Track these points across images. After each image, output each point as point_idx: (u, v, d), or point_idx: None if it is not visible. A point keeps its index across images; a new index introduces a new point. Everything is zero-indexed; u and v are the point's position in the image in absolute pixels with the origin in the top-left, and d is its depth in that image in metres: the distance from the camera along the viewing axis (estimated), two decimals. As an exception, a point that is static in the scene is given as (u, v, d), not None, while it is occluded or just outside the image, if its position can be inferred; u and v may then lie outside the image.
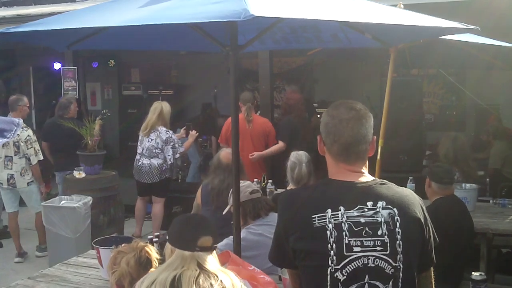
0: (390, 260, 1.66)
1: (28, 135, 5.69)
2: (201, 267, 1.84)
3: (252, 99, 5.93)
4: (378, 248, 1.66)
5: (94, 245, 3.03)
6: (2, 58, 9.37)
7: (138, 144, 6.18)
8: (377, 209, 1.69)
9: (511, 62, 4.69)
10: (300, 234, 1.70)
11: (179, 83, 10.21)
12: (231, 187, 2.97)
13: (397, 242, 1.67)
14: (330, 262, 1.65)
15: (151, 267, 2.26)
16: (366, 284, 1.66)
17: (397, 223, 1.68)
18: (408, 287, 1.70)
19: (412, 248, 1.70)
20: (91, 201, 5.38)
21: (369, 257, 1.65)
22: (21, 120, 4.88)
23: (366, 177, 1.79)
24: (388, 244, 1.66)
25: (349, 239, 1.65)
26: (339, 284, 1.65)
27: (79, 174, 5.76)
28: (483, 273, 2.65)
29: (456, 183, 3.90)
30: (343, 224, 1.66)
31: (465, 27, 2.39)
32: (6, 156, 5.64)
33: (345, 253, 1.65)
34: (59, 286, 2.90)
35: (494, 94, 7.33)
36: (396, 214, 1.69)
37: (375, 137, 1.83)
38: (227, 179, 3.74)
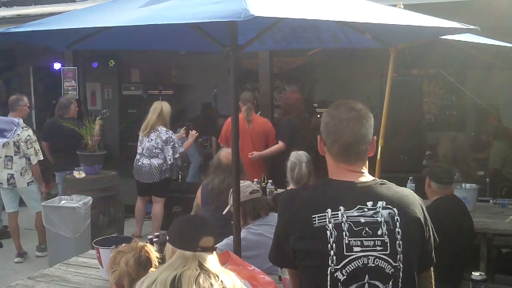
0: (390, 260, 1.66)
1: (28, 135, 5.69)
2: (202, 267, 1.84)
3: (252, 99, 5.93)
4: (378, 248, 1.66)
5: (94, 245, 3.03)
6: (2, 58, 9.37)
7: (138, 144, 6.18)
8: (377, 209, 1.69)
9: (511, 62, 4.69)
10: (300, 234, 1.70)
11: (179, 83, 10.21)
12: (231, 187, 2.97)
13: (397, 242, 1.67)
14: (330, 262, 1.65)
15: (151, 267, 2.26)
16: (366, 284, 1.66)
17: (397, 223, 1.68)
18: (408, 287, 1.70)
19: (412, 248, 1.70)
20: (91, 201, 5.38)
21: (369, 257, 1.65)
22: (21, 120, 4.88)
23: (366, 177, 1.79)
24: (388, 244, 1.66)
25: (349, 239, 1.65)
26: (339, 284, 1.65)
27: (79, 174, 5.76)
28: (483, 273, 2.65)
29: (456, 183, 3.90)
30: (343, 224, 1.66)
31: (465, 27, 2.40)
32: (6, 156, 5.64)
33: (345, 253, 1.65)
34: (59, 286, 2.90)
35: (494, 94, 7.33)
36: (396, 214, 1.69)
37: (375, 137, 1.83)
38: (227, 179, 3.74)
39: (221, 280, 1.82)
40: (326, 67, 8.46)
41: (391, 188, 1.76)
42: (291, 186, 4.15)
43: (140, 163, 6.09)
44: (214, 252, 1.93)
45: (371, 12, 2.36)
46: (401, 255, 1.67)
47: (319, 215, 1.68)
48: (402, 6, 3.51)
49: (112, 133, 9.61)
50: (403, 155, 5.80)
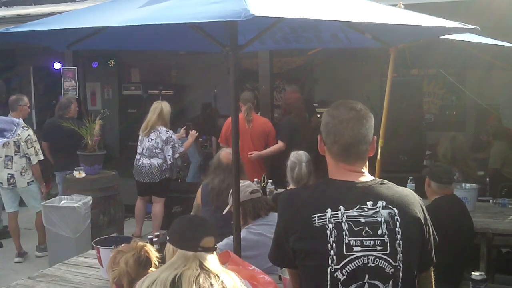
0: (390, 260, 1.66)
1: (29, 135, 5.69)
2: (202, 267, 1.84)
3: (253, 99, 5.93)
4: (378, 248, 1.66)
5: (94, 245, 3.03)
6: (2, 58, 9.38)
7: (138, 144, 6.18)
8: (377, 209, 1.69)
9: (511, 62, 4.69)
10: (300, 234, 1.70)
11: (179, 83, 10.21)
12: (231, 187, 2.97)
13: (397, 241, 1.67)
14: (330, 262, 1.65)
15: (150, 267, 2.26)
16: (366, 283, 1.66)
17: (397, 223, 1.68)
18: (408, 287, 1.70)
19: (412, 247, 1.70)
20: (91, 201, 5.38)
21: (369, 256, 1.65)
22: (21, 120, 4.89)
23: (366, 177, 1.79)
24: (388, 244, 1.66)
25: (349, 239, 1.65)
26: (339, 283, 1.65)
27: (79, 174, 5.77)
28: (483, 273, 2.65)
29: (456, 183, 3.90)
30: (343, 223, 1.66)
31: (465, 27, 2.40)
32: (6, 156, 5.64)
33: (345, 253, 1.65)
34: (59, 286, 2.90)
35: (494, 94, 7.33)
36: (396, 213, 1.69)
37: (375, 137, 1.83)
38: (227, 179, 3.74)
39: (222, 280, 1.83)
40: (326, 67, 8.46)
41: (391, 188, 1.76)
42: (291, 186, 4.15)
43: (140, 163, 6.09)
44: (214, 252, 1.94)
45: (372, 12, 2.36)
46: (401, 255, 1.67)
47: (319, 215, 1.68)
48: (402, 6, 3.51)
49: (112, 133, 9.61)
50: (403, 155, 5.80)
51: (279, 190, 4.81)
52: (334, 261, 1.65)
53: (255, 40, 2.85)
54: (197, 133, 6.51)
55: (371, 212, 1.68)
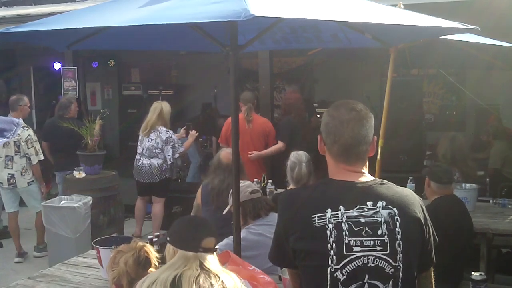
0: (390, 260, 1.66)
1: (29, 135, 5.69)
2: (202, 267, 1.85)
3: (253, 99, 5.92)
4: (378, 248, 1.66)
5: (94, 245, 3.03)
6: (2, 58, 9.37)
7: (138, 144, 6.18)
8: (377, 209, 1.69)
9: (511, 62, 4.69)
10: (300, 234, 1.70)
11: (179, 83, 10.21)
12: (231, 187, 2.97)
13: (397, 242, 1.67)
14: (330, 262, 1.65)
15: (150, 267, 2.26)
16: (366, 283, 1.66)
17: (397, 223, 1.68)
18: (408, 287, 1.70)
19: (412, 248, 1.70)
20: (91, 201, 5.38)
21: (369, 256, 1.65)
22: (21, 120, 4.89)
23: (366, 177, 1.79)
24: (388, 244, 1.66)
25: (349, 239, 1.65)
26: (339, 283, 1.65)
27: (79, 174, 5.77)
28: (483, 273, 2.65)
29: (456, 183, 3.90)
30: (343, 224, 1.66)
31: (465, 27, 2.40)
32: (6, 156, 5.64)
33: (345, 253, 1.65)
34: (59, 286, 2.90)
35: (494, 94, 7.33)
36: (396, 214, 1.69)
37: (376, 137, 1.83)
38: (227, 179, 3.74)
39: (222, 280, 1.83)
40: (326, 67, 8.45)
41: (391, 188, 1.76)
42: (291, 186, 4.15)
43: (140, 163, 6.09)
44: (215, 253, 1.94)
45: (372, 12, 2.36)
46: (401, 255, 1.67)
47: (319, 215, 1.68)
48: (402, 6, 3.51)
49: (112, 133, 9.61)
50: (403, 155, 5.80)
51: (279, 190, 4.81)
52: (334, 261, 1.65)
53: (255, 40, 2.85)
54: (197, 133, 6.51)
55: (371, 212, 1.68)
